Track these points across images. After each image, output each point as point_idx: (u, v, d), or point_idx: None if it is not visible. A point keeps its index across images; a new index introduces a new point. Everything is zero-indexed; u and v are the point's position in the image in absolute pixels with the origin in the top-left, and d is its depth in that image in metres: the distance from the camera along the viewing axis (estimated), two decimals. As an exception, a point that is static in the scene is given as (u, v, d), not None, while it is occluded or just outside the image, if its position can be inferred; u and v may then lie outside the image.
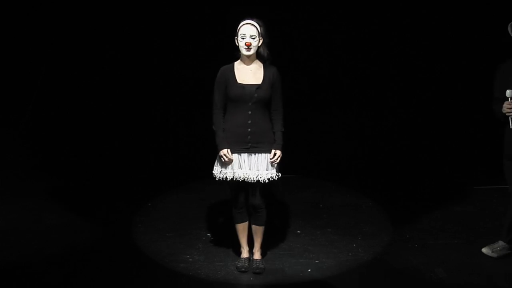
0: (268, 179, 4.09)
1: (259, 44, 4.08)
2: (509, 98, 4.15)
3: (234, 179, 4.10)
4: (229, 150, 4.08)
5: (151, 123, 6.93)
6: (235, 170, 4.09)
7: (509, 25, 4.18)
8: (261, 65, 4.14)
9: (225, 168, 4.10)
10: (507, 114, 4.14)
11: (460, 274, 4.13)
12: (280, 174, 4.18)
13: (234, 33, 4.07)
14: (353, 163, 6.58)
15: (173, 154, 6.79)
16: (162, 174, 6.46)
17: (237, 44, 4.08)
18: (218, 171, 4.14)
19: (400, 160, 6.68)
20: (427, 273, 4.15)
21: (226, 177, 4.10)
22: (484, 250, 4.42)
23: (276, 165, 4.13)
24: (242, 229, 4.32)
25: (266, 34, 4.10)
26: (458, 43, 6.64)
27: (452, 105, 6.79)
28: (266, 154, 4.10)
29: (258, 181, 4.07)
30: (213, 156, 4.21)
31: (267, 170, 4.10)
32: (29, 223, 5.04)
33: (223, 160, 4.08)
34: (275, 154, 4.10)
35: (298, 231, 4.94)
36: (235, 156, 4.10)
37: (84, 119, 6.88)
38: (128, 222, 5.12)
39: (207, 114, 4.49)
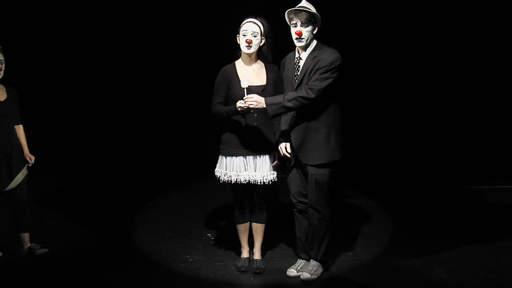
0: (271, 180, 4.10)
1: (262, 44, 4.05)
2: (245, 89, 3.87)
3: (238, 181, 4.10)
4: (240, 101, 3.88)
5: (151, 123, 6.93)
6: (239, 173, 4.08)
7: (286, 12, 3.88)
8: (263, 64, 4.11)
9: (230, 171, 4.09)
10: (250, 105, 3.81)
11: (460, 274, 4.13)
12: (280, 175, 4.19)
13: (237, 30, 4.05)
14: (353, 163, 6.58)
15: (173, 154, 6.79)
16: (162, 174, 6.47)
17: (238, 42, 4.05)
18: (222, 174, 4.12)
19: (400, 160, 6.68)
20: (427, 273, 4.15)
21: (230, 180, 4.10)
22: (303, 277, 4.04)
23: (277, 166, 4.14)
24: (243, 229, 4.32)
25: (270, 34, 4.07)
26: (458, 44, 6.64)
27: (453, 105, 6.79)
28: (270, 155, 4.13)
29: (263, 182, 4.08)
30: (213, 157, 4.21)
31: (270, 171, 4.11)
32: (28, 223, 5.03)
33: (241, 108, 3.85)
34: (274, 156, 4.11)
35: (298, 231, 4.94)
36: (240, 159, 4.08)
37: (85, 120, 6.88)
38: (128, 222, 5.12)
39: (205, 114, 4.48)
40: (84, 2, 6.58)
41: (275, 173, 4.12)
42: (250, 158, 4.08)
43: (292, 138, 3.95)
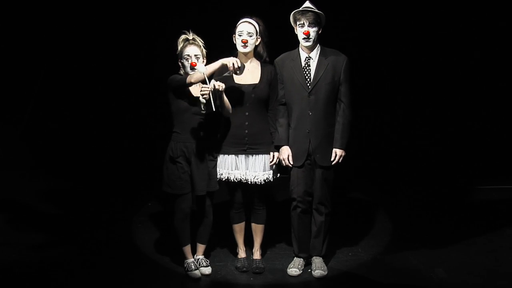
0: (264, 180, 4.10)
1: (257, 43, 4.08)
2: (204, 73, 3.77)
3: (230, 180, 4.11)
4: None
5: (151, 123, 6.92)
6: (231, 171, 4.10)
7: (292, 13, 3.94)
8: (259, 63, 4.14)
9: (222, 169, 4.12)
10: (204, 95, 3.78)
11: (460, 274, 4.13)
12: (279, 175, 4.20)
13: (233, 30, 4.08)
14: (353, 163, 6.57)
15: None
16: (162, 174, 6.45)
17: (234, 42, 4.09)
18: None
19: (401, 160, 6.68)
20: (427, 273, 4.15)
21: (221, 178, 4.12)
22: (318, 274, 4.10)
23: (274, 166, 4.14)
24: (239, 229, 4.33)
25: (265, 33, 4.10)
26: (457, 43, 6.65)
27: (453, 104, 6.79)
28: (264, 155, 4.11)
29: (255, 182, 4.08)
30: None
31: (264, 171, 4.11)
32: (29, 223, 5.04)
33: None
34: (273, 156, 4.11)
35: (298, 231, 4.93)
36: (232, 157, 4.11)
37: (84, 120, 6.87)
38: (128, 222, 5.12)
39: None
40: (85, 1, 6.58)
41: (270, 172, 4.12)
42: (242, 157, 4.10)
43: (311, 141, 4.02)
